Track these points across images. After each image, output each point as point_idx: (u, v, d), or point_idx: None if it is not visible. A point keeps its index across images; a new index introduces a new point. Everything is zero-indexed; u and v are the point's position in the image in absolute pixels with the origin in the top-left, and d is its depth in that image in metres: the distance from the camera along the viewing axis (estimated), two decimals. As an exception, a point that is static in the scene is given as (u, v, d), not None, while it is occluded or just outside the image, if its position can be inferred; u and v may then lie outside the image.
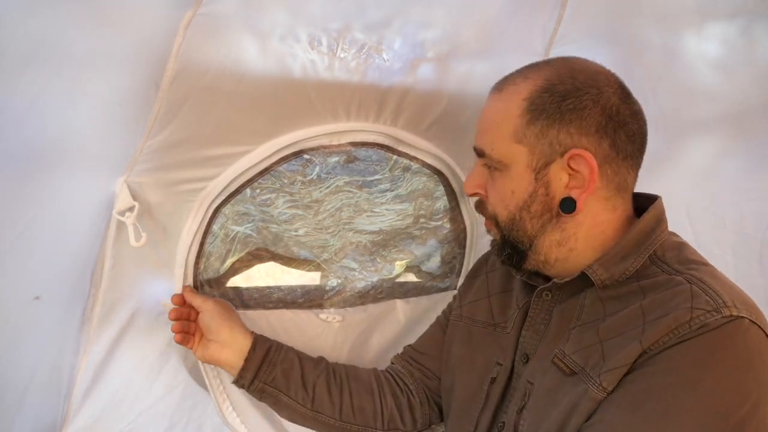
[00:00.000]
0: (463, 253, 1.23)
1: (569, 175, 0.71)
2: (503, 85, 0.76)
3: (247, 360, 0.89)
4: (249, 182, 0.94)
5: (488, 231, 0.82)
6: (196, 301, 0.92)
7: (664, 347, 0.61)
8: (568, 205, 0.71)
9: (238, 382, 0.91)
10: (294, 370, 0.92)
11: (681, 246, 0.73)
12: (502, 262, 0.80)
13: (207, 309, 0.91)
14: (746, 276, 1.16)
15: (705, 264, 0.70)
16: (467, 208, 1.18)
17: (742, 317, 0.60)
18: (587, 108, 0.69)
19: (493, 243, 0.82)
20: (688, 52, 1.05)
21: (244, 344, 0.90)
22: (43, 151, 0.71)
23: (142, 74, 0.73)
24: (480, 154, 0.77)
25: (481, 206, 0.82)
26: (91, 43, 0.66)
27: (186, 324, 0.92)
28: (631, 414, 0.61)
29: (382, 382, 0.98)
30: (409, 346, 1.03)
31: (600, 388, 0.64)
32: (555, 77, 0.71)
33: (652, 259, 0.71)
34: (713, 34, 1.04)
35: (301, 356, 0.95)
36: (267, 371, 0.90)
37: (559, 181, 0.71)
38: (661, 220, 0.74)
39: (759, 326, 0.62)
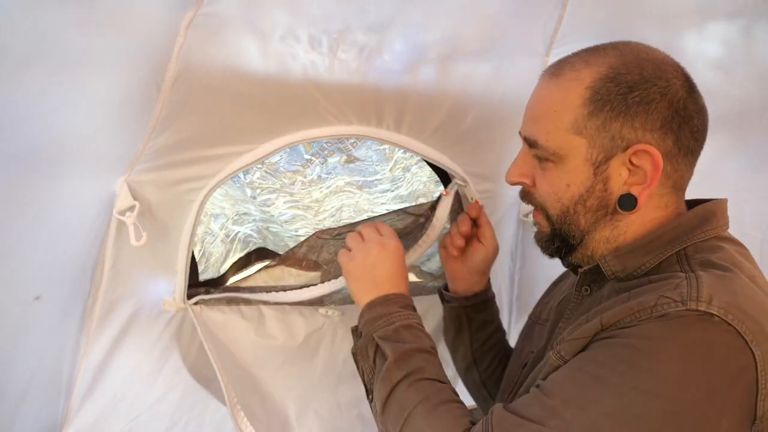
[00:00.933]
0: (464, 253, 1.23)
1: (629, 170, 0.67)
2: (560, 69, 0.69)
3: (474, 296, 1.00)
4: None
5: (534, 223, 0.78)
6: (489, 233, 0.98)
7: (622, 327, 0.60)
8: (629, 202, 0.67)
9: (449, 296, 1.02)
10: (491, 324, 1.03)
11: (716, 249, 0.67)
12: (549, 255, 0.78)
13: (491, 248, 0.98)
14: (746, 276, 1.16)
15: (727, 269, 0.62)
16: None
17: (712, 314, 0.55)
18: (654, 101, 0.64)
19: (539, 236, 0.78)
20: (688, 52, 1.05)
21: (477, 287, 1.01)
22: (44, 151, 0.71)
23: (143, 74, 0.72)
24: (532, 144, 0.71)
25: (528, 196, 0.77)
26: (92, 44, 0.65)
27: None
28: (569, 373, 0.62)
29: None
30: None
31: (558, 356, 0.65)
32: (621, 65, 0.65)
33: (678, 257, 0.67)
34: (713, 34, 1.04)
35: (499, 324, 1.06)
36: (476, 309, 1.01)
37: (619, 177, 0.67)
38: (707, 220, 0.69)
39: (737, 332, 0.55)
